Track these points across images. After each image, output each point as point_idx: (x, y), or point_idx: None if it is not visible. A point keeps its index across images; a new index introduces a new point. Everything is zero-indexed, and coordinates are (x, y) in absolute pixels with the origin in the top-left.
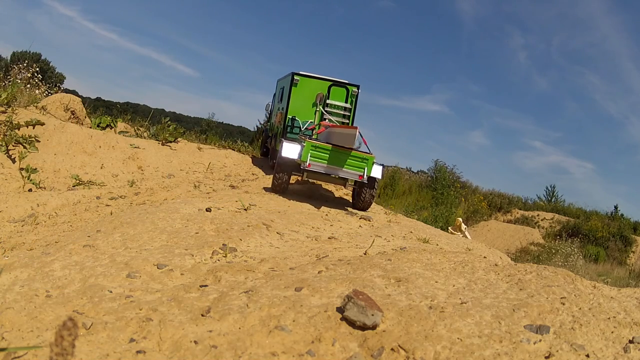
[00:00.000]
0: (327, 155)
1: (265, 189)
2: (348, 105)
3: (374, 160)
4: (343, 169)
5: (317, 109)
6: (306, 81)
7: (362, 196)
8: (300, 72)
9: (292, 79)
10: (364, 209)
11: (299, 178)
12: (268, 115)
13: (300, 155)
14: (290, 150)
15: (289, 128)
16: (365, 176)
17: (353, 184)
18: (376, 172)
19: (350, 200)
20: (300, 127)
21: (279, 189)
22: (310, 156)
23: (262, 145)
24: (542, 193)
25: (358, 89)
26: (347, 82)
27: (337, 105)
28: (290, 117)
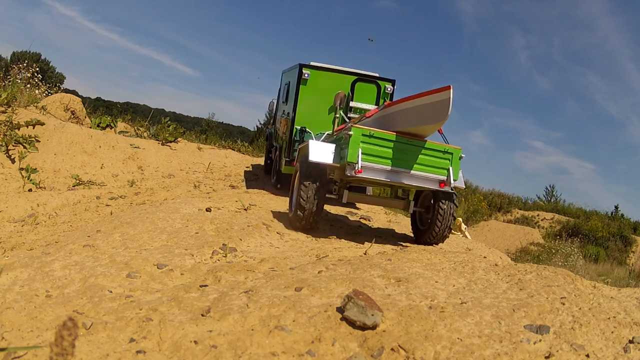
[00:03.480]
0: (390, 150)
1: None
2: None
3: (461, 155)
4: (414, 171)
5: (337, 115)
6: (320, 76)
7: (438, 219)
8: (312, 64)
9: (300, 73)
10: (439, 241)
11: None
12: (272, 117)
13: (341, 156)
14: (322, 151)
15: (295, 143)
16: (450, 183)
17: (414, 203)
18: (460, 177)
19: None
20: None
21: (307, 223)
22: (363, 153)
23: (267, 156)
24: (542, 193)
25: (393, 86)
26: (377, 75)
27: (365, 110)
28: (299, 127)
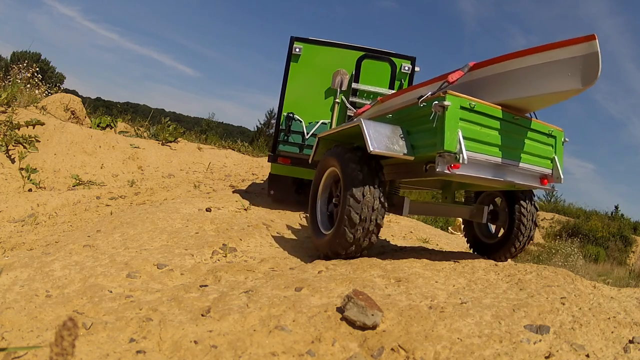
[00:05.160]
0: (496, 132)
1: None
2: (390, 91)
3: (564, 139)
4: (521, 164)
5: (336, 100)
6: (316, 51)
7: (520, 229)
8: (307, 38)
9: (291, 47)
10: (514, 256)
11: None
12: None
13: (420, 144)
14: (387, 136)
15: (281, 134)
16: (558, 177)
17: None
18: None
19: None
20: (302, 133)
21: (358, 250)
22: (464, 137)
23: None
24: (542, 193)
25: (413, 65)
26: (392, 52)
27: (375, 93)
28: (286, 114)
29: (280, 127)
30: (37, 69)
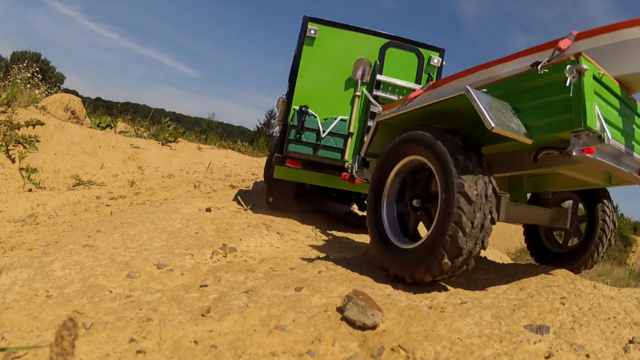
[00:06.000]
0: (617, 113)
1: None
2: (417, 86)
3: None
4: (635, 153)
5: (357, 93)
6: (333, 35)
7: (602, 235)
8: (323, 19)
9: (305, 28)
10: (590, 267)
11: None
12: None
13: (542, 121)
14: (505, 112)
15: (292, 132)
16: None
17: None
18: None
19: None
20: (317, 129)
21: (454, 272)
22: (605, 118)
23: (268, 165)
24: None
25: (442, 57)
26: (419, 42)
27: (400, 87)
28: (298, 107)
29: (290, 122)
30: (37, 69)
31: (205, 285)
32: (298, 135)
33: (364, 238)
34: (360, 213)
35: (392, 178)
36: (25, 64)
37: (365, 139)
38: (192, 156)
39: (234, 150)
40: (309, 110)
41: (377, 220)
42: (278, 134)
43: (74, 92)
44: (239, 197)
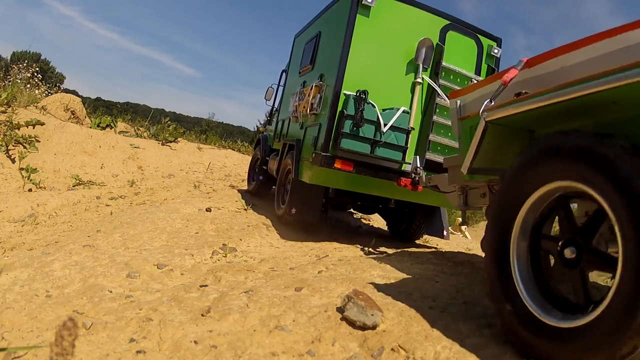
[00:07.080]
0: None
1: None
2: (478, 78)
3: None
4: None
5: (417, 79)
6: (393, 8)
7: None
8: None
9: None
10: None
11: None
12: (269, 112)
13: None
14: None
15: (347, 123)
16: None
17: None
18: None
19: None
20: (377, 122)
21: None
22: None
23: (252, 171)
24: None
25: (499, 46)
26: (478, 28)
27: (462, 76)
28: (355, 93)
29: (344, 111)
30: (37, 69)
31: (205, 285)
32: (355, 129)
33: (364, 238)
34: (369, 222)
35: (527, 212)
36: (25, 64)
37: (459, 144)
38: (192, 156)
39: (234, 150)
40: (367, 95)
41: (504, 273)
42: (288, 130)
43: (74, 92)
44: (239, 197)
